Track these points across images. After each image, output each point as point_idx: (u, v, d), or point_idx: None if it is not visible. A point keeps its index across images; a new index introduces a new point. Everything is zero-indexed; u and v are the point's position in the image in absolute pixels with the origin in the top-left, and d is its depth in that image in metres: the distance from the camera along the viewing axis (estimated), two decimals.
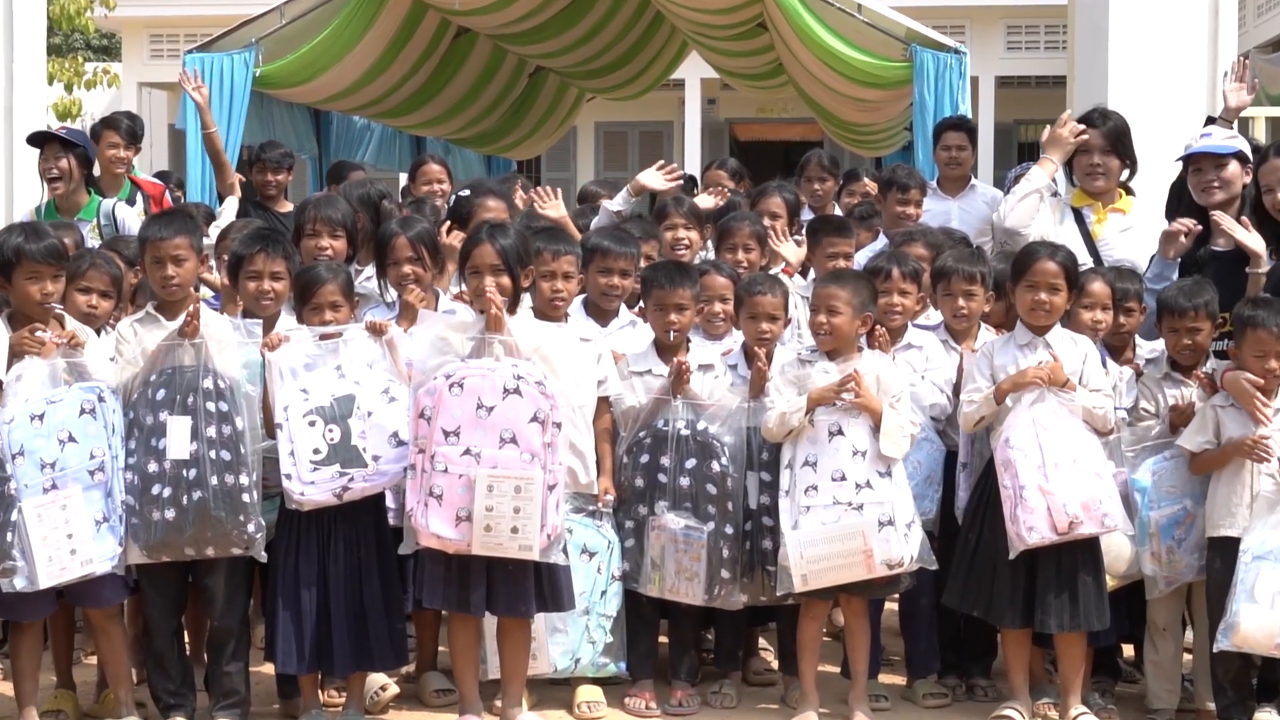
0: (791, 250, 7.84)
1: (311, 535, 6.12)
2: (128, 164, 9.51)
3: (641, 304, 6.92)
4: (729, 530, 6.39)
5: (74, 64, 14.37)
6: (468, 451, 5.77)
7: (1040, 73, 24.91)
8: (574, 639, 6.39)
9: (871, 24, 11.78)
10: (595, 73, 16.67)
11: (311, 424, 6.01)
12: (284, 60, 12.38)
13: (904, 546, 6.16)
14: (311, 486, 5.99)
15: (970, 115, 11.04)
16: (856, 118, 14.33)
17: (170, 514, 5.90)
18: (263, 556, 6.04)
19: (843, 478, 6.14)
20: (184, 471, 5.91)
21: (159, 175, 11.95)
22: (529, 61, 16.27)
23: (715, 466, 6.40)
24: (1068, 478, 6.11)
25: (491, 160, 18.42)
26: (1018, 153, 25.59)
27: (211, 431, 5.93)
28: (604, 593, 6.44)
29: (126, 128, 9.48)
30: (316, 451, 6.00)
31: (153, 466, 5.93)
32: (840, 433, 6.19)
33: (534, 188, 8.52)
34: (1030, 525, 6.10)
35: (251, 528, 5.96)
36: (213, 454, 5.92)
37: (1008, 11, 24.41)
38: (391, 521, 6.26)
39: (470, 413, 5.78)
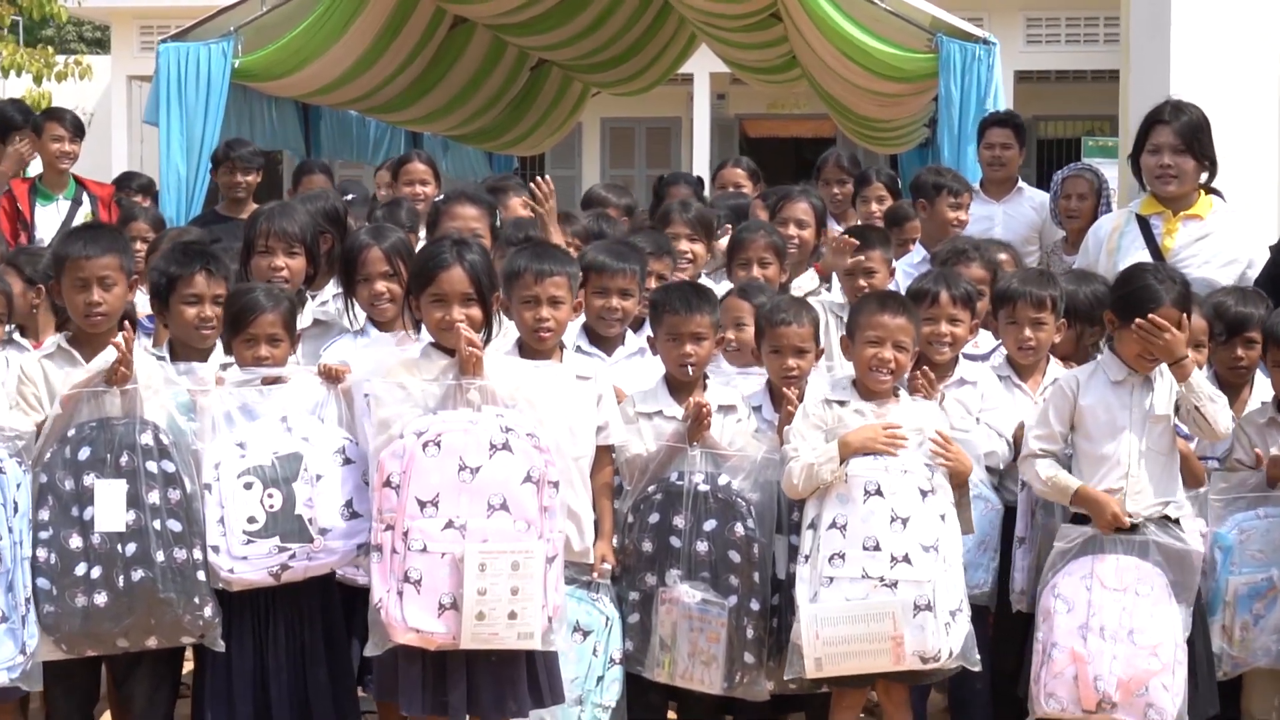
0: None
1: (245, 617, 5.19)
2: (73, 159, 8.69)
3: (650, 333, 5.93)
4: (754, 605, 5.40)
5: (43, 54, 13.56)
6: (450, 524, 4.82)
7: (1061, 67, 24.20)
8: None
9: (894, 12, 11.14)
10: (600, 66, 16.09)
11: (248, 486, 5.08)
12: (265, 50, 11.79)
13: (942, 638, 5.19)
14: (243, 563, 5.07)
15: (1001, 110, 10.29)
16: (875, 113, 13.74)
17: (101, 598, 4.95)
18: (219, 645, 5.13)
19: (876, 547, 5.18)
20: (119, 546, 4.97)
21: (124, 176, 11.11)
22: (530, 54, 15.72)
23: (739, 529, 5.41)
24: (1113, 650, 5.21)
25: (493, 158, 17.83)
26: (1037, 151, 24.79)
27: (154, 497, 5.00)
28: (600, 678, 5.43)
29: (71, 120, 8.66)
30: (252, 520, 5.07)
31: (75, 542, 4.96)
32: (878, 493, 5.22)
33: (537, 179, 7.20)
34: (1051, 691, 5.26)
35: (208, 611, 5.06)
36: (157, 524, 4.99)
37: (1028, 2, 23.61)
38: (342, 575, 5.38)
39: (451, 476, 4.83)
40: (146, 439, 5.02)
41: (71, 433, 5.02)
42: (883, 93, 12.09)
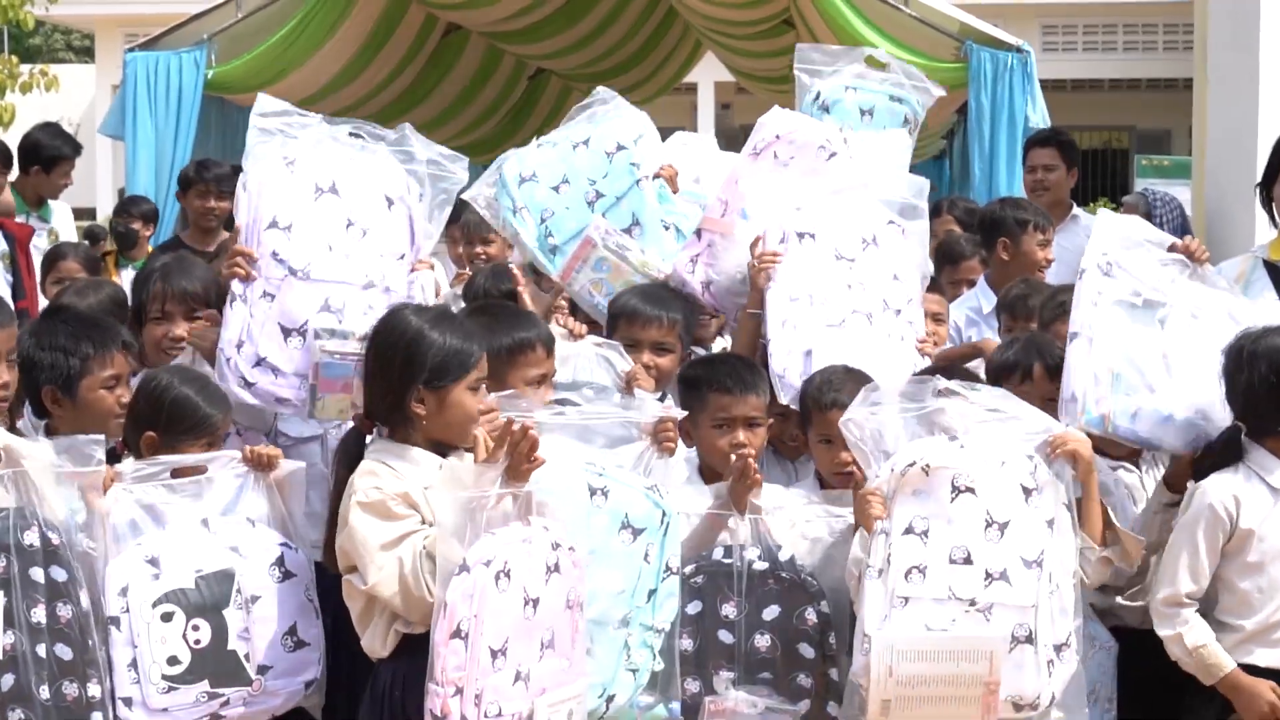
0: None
1: None
2: None
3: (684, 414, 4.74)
4: (833, 710, 4.37)
5: (5, 64, 12.73)
6: (518, 676, 3.77)
7: (1077, 76, 23.51)
8: (607, 664, 4.17)
9: (920, 19, 10.42)
10: (601, 75, 15.43)
11: (166, 618, 4.09)
12: (241, 60, 11.13)
13: (1043, 679, 4.09)
14: (163, 716, 4.06)
15: (1039, 122, 9.54)
16: None
17: None
18: None
19: (967, 560, 4.09)
20: None
21: (129, 200, 10.23)
22: (528, 63, 15.23)
23: (811, 615, 4.35)
24: None
25: None
26: None
27: (39, 614, 3.95)
28: (652, 592, 4.22)
29: (2, 150, 7.75)
30: (174, 661, 4.07)
31: None
32: (969, 490, 4.11)
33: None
34: None
35: None
36: (41, 649, 3.94)
37: (1044, 10, 22.90)
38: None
39: (517, 614, 3.77)
40: (31, 538, 3.97)
41: None
42: None
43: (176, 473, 4.28)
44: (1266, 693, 4.34)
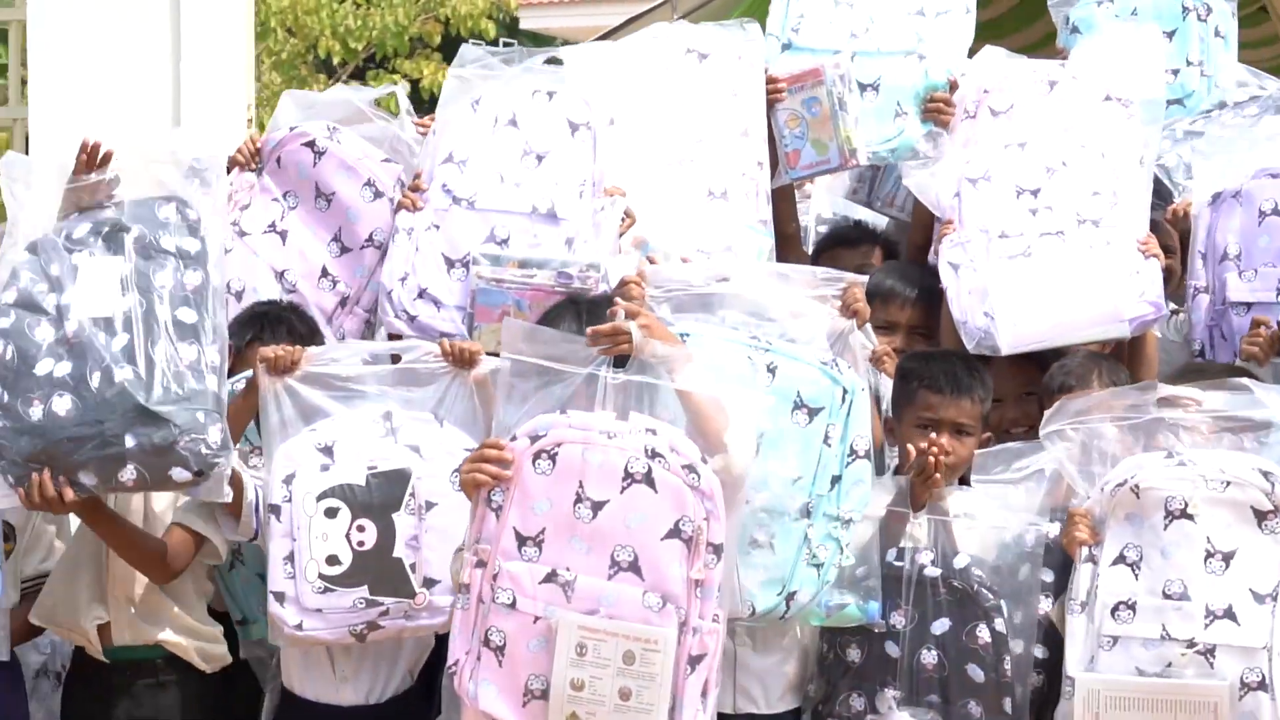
0: None
1: None
2: None
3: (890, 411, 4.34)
4: None
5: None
6: (553, 576, 3.36)
7: None
8: (786, 558, 3.85)
9: None
10: None
11: (331, 513, 3.87)
12: None
13: None
14: (316, 617, 3.86)
15: None
16: None
17: (64, 404, 3.65)
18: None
19: (1184, 594, 3.66)
20: (101, 337, 3.72)
21: None
22: None
23: (983, 633, 3.88)
24: None
25: None
26: None
27: (164, 278, 3.81)
28: (836, 479, 3.87)
29: None
30: (334, 561, 3.85)
31: (41, 332, 3.74)
32: (1185, 514, 3.68)
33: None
34: None
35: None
36: (165, 311, 3.79)
37: None
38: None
39: (565, 508, 3.37)
40: (168, 213, 3.93)
41: (75, 214, 4.02)
42: None
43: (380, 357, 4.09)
44: None
